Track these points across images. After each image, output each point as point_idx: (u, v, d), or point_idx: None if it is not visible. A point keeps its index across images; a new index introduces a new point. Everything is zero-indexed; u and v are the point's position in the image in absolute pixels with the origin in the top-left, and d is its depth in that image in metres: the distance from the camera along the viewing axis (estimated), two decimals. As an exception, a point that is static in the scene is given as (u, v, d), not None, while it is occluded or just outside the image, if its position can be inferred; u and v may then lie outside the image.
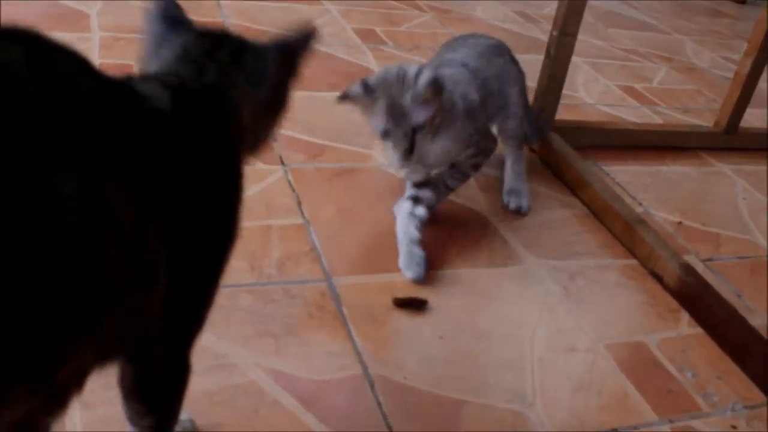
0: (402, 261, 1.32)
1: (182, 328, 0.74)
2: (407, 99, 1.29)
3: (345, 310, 1.21)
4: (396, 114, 1.29)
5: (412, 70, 1.32)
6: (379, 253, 1.36)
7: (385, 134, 1.31)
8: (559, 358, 1.21)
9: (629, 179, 1.84)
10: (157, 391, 0.77)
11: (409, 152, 1.31)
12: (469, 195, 1.60)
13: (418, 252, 1.33)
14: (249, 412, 1.00)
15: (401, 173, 1.39)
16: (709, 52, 3.11)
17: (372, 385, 1.08)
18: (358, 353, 1.13)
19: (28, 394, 0.54)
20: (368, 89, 1.31)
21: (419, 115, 1.29)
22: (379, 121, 1.31)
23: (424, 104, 1.28)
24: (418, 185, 1.41)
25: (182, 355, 0.77)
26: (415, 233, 1.35)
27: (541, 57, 1.78)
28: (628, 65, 2.72)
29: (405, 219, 1.38)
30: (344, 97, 1.33)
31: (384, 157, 1.37)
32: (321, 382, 1.07)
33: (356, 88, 1.32)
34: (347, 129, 1.76)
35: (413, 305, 1.24)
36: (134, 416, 0.78)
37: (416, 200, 1.41)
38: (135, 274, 0.60)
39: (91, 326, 0.56)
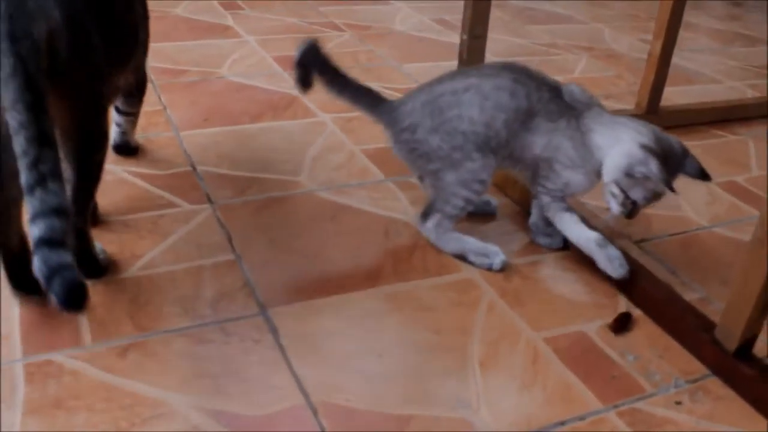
0: (603, 264, 1.39)
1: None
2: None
3: (283, 341, 1.20)
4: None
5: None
6: (310, 279, 1.35)
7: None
8: (501, 359, 1.21)
9: (558, 172, 1.85)
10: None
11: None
12: (400, 208, 1.60)
13: (614, 251, 1.38)
14: (192, 458, 0.99)
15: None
16: (627, 36, 3.16)
17: (315, 413, 1.07)
18: (298, 382, 1.13)
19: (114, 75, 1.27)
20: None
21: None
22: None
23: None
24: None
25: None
26: (596, 234, 1.40)
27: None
28: (549, 59, 2.75)
29: (577, 225, 1.43)
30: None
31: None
32: (263, 417, 1.06)
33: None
34: (273, 158, 1.76)
35: (625, 322, 1.30)
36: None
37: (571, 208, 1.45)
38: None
39: (129, 59, 1.33)
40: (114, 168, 1.66)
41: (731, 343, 1.20)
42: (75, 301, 0.91)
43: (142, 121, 1.88)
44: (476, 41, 1.71)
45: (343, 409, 1.09)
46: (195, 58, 2.38)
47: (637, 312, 1.36)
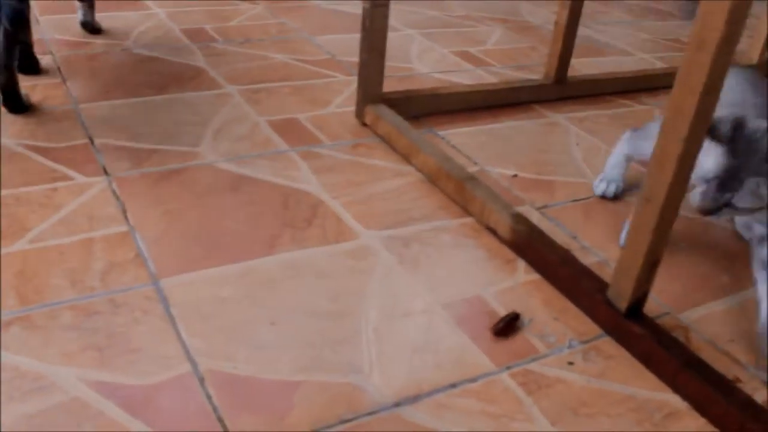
0: None
1: None
2: None
3: (173, 311, 1.17)
4: None
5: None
6: (205, 249, 1.33)
7: None
8: (395, 325, 1.20)
9: (464, 140, 1.85)
10: None
11: None
12: (301, 178, 1.58)
13: None
14: (71, 429, 0.95)
15: None
16: (543, 10, 3.17)
17: (202, 381, 1.05)
18: (187, 351, 1.10)
19: None
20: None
21: None
22: None
23: None
24: None
25: None
26: None
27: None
28: (462, 31, 2.75)
29: None
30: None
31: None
32: (148, 386, 1.03)
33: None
34: (174, 131, 1.72)
35: (509, 323, 1.23)
36: None
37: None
38: None
39: None
40: (6, 141, 1.60)
41: (622, 303, 1.21)
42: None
43: (38, 94, 1.82)
44: (379, 9, 1.69)
45: (230, 376, 1.07)
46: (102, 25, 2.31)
47: (534, 276, 1.36)
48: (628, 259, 1.18)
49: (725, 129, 1.18)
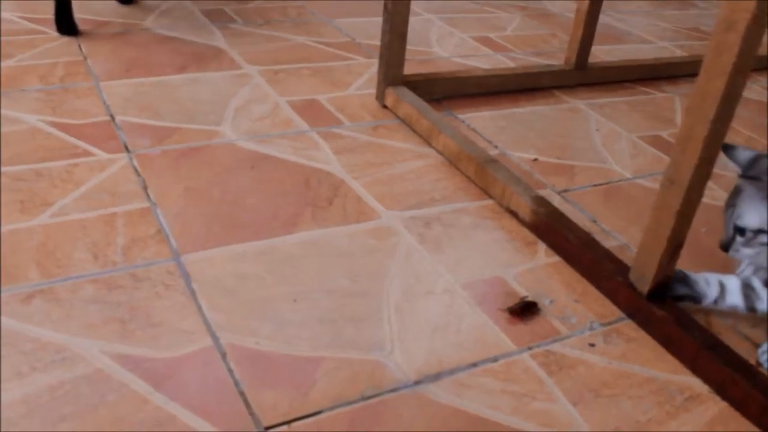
0: None
1: None
2: None
3: (195, 286, 1.18)
4: None
5: None
6: (226, 225, 1.33)
7: None
8: (417, 304, 1.20)
9: (485, 124, 1.85)
10: None
11: None
12: (322, 158, 1.58)
13: None
14: (94, 401, 0.96)
15: None
16: (562, -4, 3.16)
17: (224, 356, 1.05)
18: (208, 326, 1.10)
19: None
20: None
21: None
22: None
23: None
24: None
25: None
26: None
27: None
28: (482, 17, 2.74)
29: None
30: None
31: None
32: (170, 360, 1.04)
33: None
34: (195, 109, 1.72)
35: (525, 306, 1.23)
36: None
37: None
38: None
39: None
40: (27, 117, 1.60)
41: (644, 286, 1.21)
42: None
43: (60, 70, 1.83)
44: (401, -9, 1.68)
45: (252, 351, 1.07)
46: (119, 10, 2.31)
47: (555, 259, 1.36)
48: (651, 242, 1.18)
49: (745, 156, 1.21)
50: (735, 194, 1.17)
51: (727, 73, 1.01)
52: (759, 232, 1.14)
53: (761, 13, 0.98)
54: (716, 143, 1.08)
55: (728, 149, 1.22)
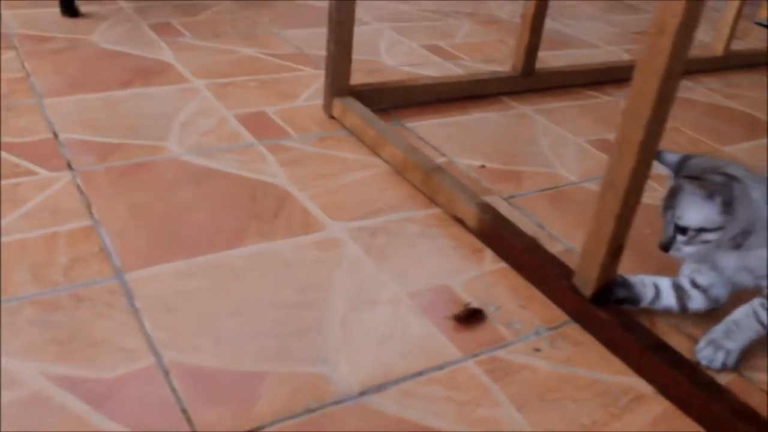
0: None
1: None
2: None
3: (137, 304, 1.16)
4: None
5: None
6: (170, 242, 1.32)
7: None
8: (362, 314, 1.20)
9: (432, 132, 1.85)
10: None
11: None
12: (269, 171, 1.57)
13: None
14: (33, 425, 0.94)
15: None
16: (510, 3, 3.18)
17: (166, 374, 1.04)
18: (151, 344, 1.09)
19: None
20: None
21: None
22: None
23: None
24: None
25: None
26: None
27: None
28: (431, 25, 2.75)
29: None
30: None
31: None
32: (111, 379, 1.03)
33: None
34: (140, 125, 1.71)
35: (471, 313, 1.23)
36: None
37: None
38: None
39: None
40: (-33, 136, 1.58)
41: (588, 289, 1.21)
42: None
43: (2, 88, 1.80)
44: (345, 1, 1.68)
45: (195, 369, 1.06)
46: (64, 24, 2.29)
47: (501, 265, 1.36)
48: (592, 246, 1.19)
49: (673, 158, 1.23)
50: (672, 195, 1.19)
51: (660, 75, 1.02)
52: (700, 230, 1.16)
53: (691, 16, 1.00)
54: (652, 146, 1.09)
55: (655, 154, 1.20)
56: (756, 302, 1.20)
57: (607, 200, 1.14)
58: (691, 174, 1.18)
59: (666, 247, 1.20)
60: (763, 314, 1.18)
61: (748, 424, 1.04)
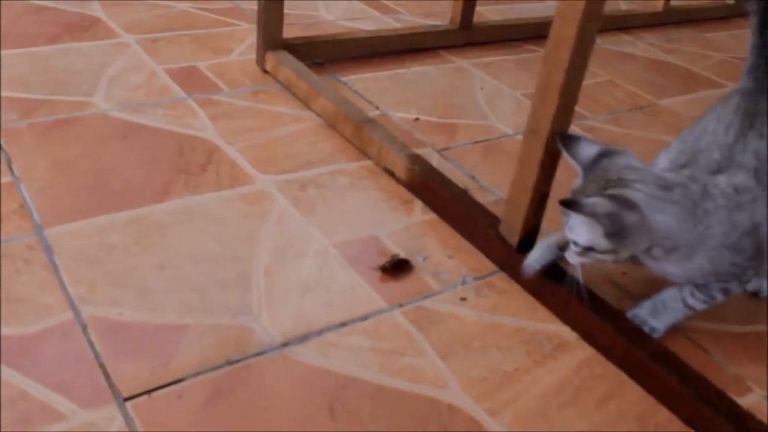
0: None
1: None
2: None
3: (57, 260, 1.14)
4: None
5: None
6: (94, 197, 1.29)
7: None
8: (287, 266, 1.19)
9: (368, 86, 1.84)
10: None
11: None
12: (198, 125, 1.54)
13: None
14: (-57, 382, 0.92)
15: None
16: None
17: (84, 328, 1.03)
18: (70, 299, 1.07)
19: None
20: None
21: None
22: None
23: None
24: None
25: None
26: None
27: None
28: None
29: None
30: None
31: None
32: (27, 336, 1.00)
33: None
34: (67, 80, 1.66)
35: (397, 264, 1.22)
36: None
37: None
38: None
39: None
40: None
41: (514, 238, 1.22)
42: None
43: None
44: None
45: (115, 322, 1.04)
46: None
47: (430, 216, 1.36)
48: (517, 194, 1.19)
49: (587, 153, 1.11)
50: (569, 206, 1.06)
51: (578, 20, 1.02)
52: (589, 248, 1.07)
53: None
54: (573, 91, 1.09)
55: (569, 143, 1.11)
56: (686, 287, 1.16)
57: (530, 147, 1.14)
58: (596, 180, 1.08)
59: (562, 248, 1.11)
60: (691, 300, 1.15)
61: (668, 367, 1.06)
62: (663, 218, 1.03)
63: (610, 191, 1.03)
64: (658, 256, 1.08)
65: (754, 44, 1.23)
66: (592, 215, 1.01)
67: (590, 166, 1.09)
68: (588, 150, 1.10)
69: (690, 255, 1.07)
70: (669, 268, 1.10)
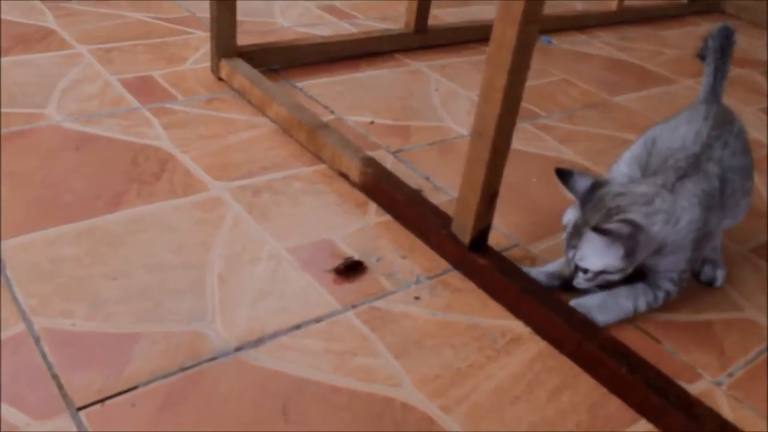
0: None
1: None
2: None
3: (9, 273, 1.14)
4: None
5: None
6: (46, 209, 1.29)
7: None
8: (241, 272, 1.19)
9: (322, 91, 1.85)
10: None
11: None
12: (152, 134, 1.54)
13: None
14: None
15: None
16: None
17: (37, 340, 1.02)
18: (21, 312, 1.07)
19: None
20: None
21: None
22: None
23: None
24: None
25: None
26: None
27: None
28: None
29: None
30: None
31: None
32: (-22, 349, 1.00)
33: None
34: (19, 93, 1.66)
35: (350, 266, 1.23)
36: None
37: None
38: None
39: None
40: None
41: (465, 237, 1.23)
42: None
43: None
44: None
45: (67, 333, 1.04)
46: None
47: (385, 218, 1.37)
48: (466, 194, 1.20)
49: (582, 186, 1.22)
50: (576, 234, 1.19)
51: (518, 21, 1.03)
52: (601, 272, 1.18)
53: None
54: (516, 92, 1.11)
55: (565, 177, 1.22)
56: (639, 288, 1.24)
57: (477, 148, 1.15)
58: (596, 209, 1.19)
59: (569, 280, 1.22)
60: (641, 301, 1.22)
61: (618, 359, 1.08)
62: (657, 228, 1.17)
63: (618, 217, 1.15)
64: (649, 257, 1.21)
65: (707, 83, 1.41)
66: (619, 239, 1.13)
67: (586, 197, 1.21)
68: (582, 183, 1.22)
69: (674, 251, 1.20)
70: (649, 261, 1.22)
